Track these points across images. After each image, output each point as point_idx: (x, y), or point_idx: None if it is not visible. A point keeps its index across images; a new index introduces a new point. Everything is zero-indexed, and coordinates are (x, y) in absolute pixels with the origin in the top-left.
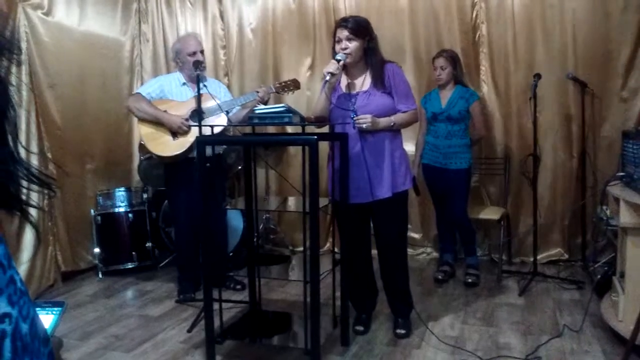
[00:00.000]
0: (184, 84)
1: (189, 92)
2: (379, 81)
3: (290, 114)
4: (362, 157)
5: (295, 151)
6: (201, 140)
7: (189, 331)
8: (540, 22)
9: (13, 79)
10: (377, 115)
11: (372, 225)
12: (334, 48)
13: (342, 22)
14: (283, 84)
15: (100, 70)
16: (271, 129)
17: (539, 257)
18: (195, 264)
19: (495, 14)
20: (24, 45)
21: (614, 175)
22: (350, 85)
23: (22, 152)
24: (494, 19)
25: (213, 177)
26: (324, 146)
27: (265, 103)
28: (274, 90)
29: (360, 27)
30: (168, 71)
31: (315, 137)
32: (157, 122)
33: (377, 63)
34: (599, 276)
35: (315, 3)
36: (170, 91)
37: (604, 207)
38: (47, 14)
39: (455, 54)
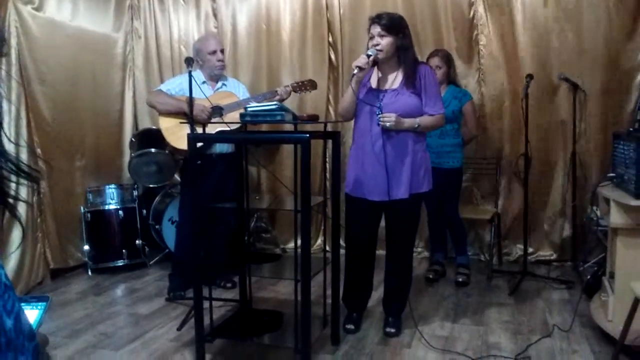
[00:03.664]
0: (203, 82)
1: (208, 91)
2: (410, 81)
3: (283, 112)
4: (383, 155)
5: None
6: (192, 138)
7: (178, 329)
8: (535, 23)
9: (1, 73)
10: (402, 115)
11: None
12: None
13: (376, 19)
14: (300, 83)
15: (92, 66)
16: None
17: (529, 257)
18: (194, 260)
19: (492, 13)
20: (14, 40)
21: (604, 176)
22: (380, 82)
23: (11, 147)
24: (491, 19)
25: (228, 175)
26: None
27: (281, 102)
28: (292, 90)
29: (393, 24)
30: (160, 68)
31: (308, 135)
32: (177, 117)
33: (410, 62)
34: (588, 276)
35: (308, 1)
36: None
37: (595, 208)
38: (38, 9)
39: (449, 54)
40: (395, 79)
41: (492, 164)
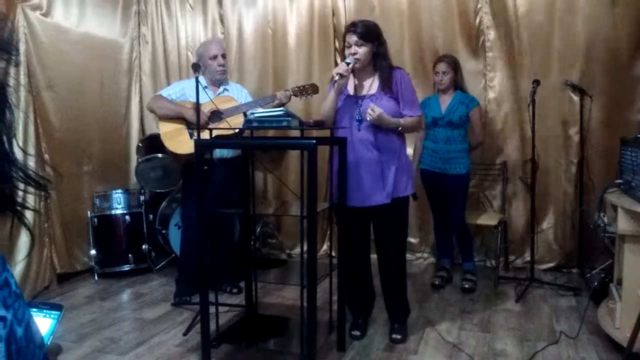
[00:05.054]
0: (205, 87)
1: (210, 95)
2: (386, 86)
3: (289, 118)
4: (368, 161)
5: (294, 155)
6: (199, 143)
7: (184, 334)
8: (542, 29)
9: (10, 80)
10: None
11: (372, 229)
12: (343, 51)
13: (352, 27)
14: (301, 88)
15: (99, 72)
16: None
17: (535, 264)
18: (200, 265)
19: (498, 20)
20: (22, 46)
21: (612, 182)
22: (357, 88)
23: (19, 154)
24: (497, 25)
25: (230, 179)
26: (323, 149)
27: (281, 106)
28: (292, 94)
29: (369, 32)
30: (167, 74)
31: (314, 141)
32: (176, 122)
33: (385, 67)
34: (595, 283)
35: (314, 7)
36: (192, 94)
37: (602, 214)
38: (46, 14)
39: (456, 60)
40: (371, 85)
41: (498, 169)
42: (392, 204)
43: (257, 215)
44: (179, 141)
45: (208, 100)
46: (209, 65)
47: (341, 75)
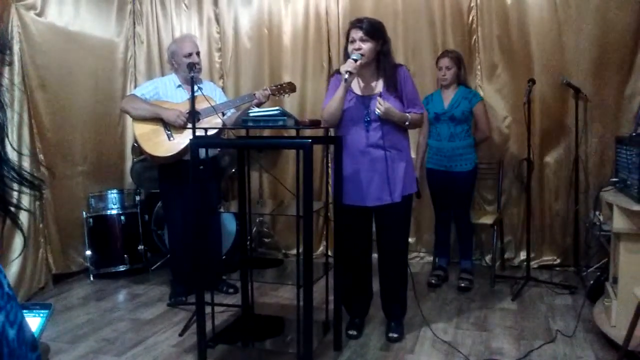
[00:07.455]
0: (179, 86)
1: (184, 94)
2: (391, 85)
3: (285, 117)
4: (382, 160)
5: (288, 154)
6: (194, 143)
7: (180, 335)
8: (536, 28)
9: (3, 80)
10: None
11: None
12: (346, 48)
13: (357, 23)
14: (279, 86)
15: (93, 72)
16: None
17: (532, 262)
18: (188, 266)
19: (491, 18)
20: (16, 46)
21: (607, 181)
22: (363, 88)
23: (14, 155)
24: (490, 23)
25: (207, 179)
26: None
27: (259, 106)
28: (270, 93)
29: (374, 29)
30: (162, 73)
31: (310, 140)
32: (152, 123)
33: (390, 67)
34: (591, 281)
35: (309, 6)
36: (165, 93)
37: (597, 213)
38: (40, 14)
39: (460, 55)
40: (377, 85)
41: (494, 168)
42: (402, 202)
43: (253, 215)
44: (157, 142)
45: (183, 100)
46: (183, 63)
47: (350, 73)
